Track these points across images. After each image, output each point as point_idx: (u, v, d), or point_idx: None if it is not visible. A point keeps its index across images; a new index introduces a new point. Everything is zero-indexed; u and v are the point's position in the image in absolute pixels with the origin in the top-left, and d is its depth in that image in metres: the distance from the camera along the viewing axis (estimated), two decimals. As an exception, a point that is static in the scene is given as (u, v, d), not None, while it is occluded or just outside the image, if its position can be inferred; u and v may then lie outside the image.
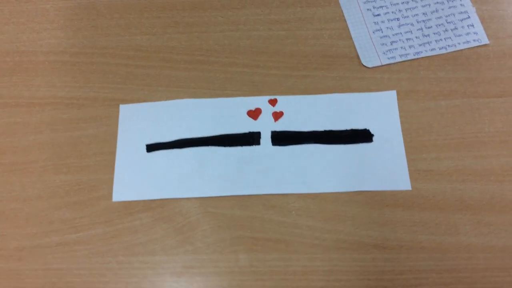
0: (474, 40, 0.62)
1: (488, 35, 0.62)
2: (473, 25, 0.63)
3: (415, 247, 0.52)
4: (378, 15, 0.65)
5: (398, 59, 0.61)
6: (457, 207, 0.54)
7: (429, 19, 0.64)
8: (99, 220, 0.55)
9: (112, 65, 0.63)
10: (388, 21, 0.64)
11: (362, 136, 0.58)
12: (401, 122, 0.58)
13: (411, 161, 0.56)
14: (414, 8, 0.64)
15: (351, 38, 0.63)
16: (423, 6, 0.64)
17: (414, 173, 0.55)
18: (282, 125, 0.59)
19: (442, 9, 0.64)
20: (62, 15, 0.66)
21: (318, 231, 0.54)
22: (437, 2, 0.64)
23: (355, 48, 0.63)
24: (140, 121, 0.60)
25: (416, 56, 0.62)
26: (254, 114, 0.59)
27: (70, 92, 0.61)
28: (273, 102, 0.60)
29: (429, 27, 0.63)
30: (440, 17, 0.64)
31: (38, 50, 0.64)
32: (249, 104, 0.60)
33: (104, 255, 0.53)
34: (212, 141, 0.58)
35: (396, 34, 0.63)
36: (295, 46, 0.63)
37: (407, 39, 0.63)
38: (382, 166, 0.56)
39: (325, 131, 0.58)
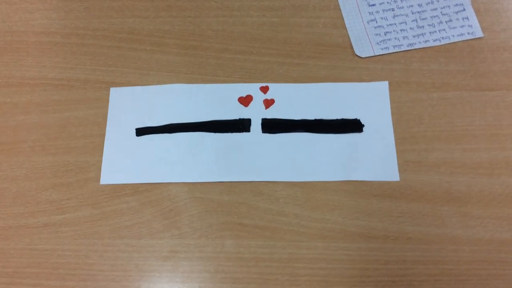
0: (468, 33, 0.62)
1: (482, 28, 0.62)
2: (468, 18, 0.63)
3: (401, 238, 0.52)
4: (373, 5, 0.64)
5: (392, 50, 0.61)
6: (445, 199, 0.54)
7: (424, 11, 0.63)
8: (86, 202, 0.55)
9: (104, 47, 0.62)
10: (383, 11, 0.64)
11: (353, 126, 0.57)
12: (392, 113, 0.58)
13: (400, 152, 0.56)
14: (409, -1, 0.64)
15: (345, 27, 0.63)
16: (418, -3, 0.64)
17: (403, 164, 0.55)
18: (272, 113, 0.58)
19: (438, 1, 0.64)
20: (55, -4, 0.66)
21: (304, 219, 0.53)
22: (433, -6, 0.64)
23: (348, 37, 0.62)
24: (130, 104, 0.59)
25: (409, 48, 0.61)
26: (245, 101, 0.59)
27: (61, 73, 0.61)
28: (264, 90, 0.60)
29: (423, 19, 0.63)
30: (435, 9, 0.63)
31: (29, 30, 0.64)
32: (241, 90, 0.60)
33: (90, 237, 0.53)
34: (202, 127, 0.58)
35: (391, 24, 0.63)
36: (289, 33, 0.63)
37: (401, 30, 0.62)
38: (371, 157, 0.56)
39: (315, 120, 0.58)
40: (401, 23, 0.63)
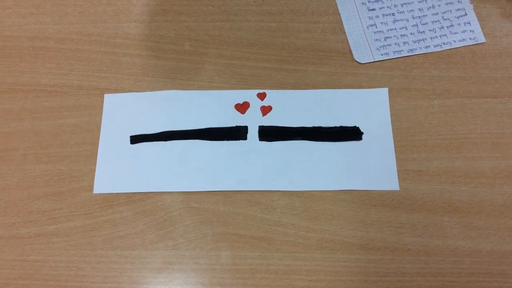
0: (470, 39, 0.61)
1: (484, 34, 0.61)
2: (469, 23, 0.61)
3: (401, 249, 0.51)
4: (373, 9, 0.63)
5: (392, 56, 0.60)
6: (445, 209, 0.53)
7: (425, 15, 0.62)
8: (79, 212, 0.54)
9: (98, 52, 0.61)
10: (383, 16, 0.62)
11: (351, 133, 0.56)
12: (392, 121, 0.57)
13: (400, 160, 0.55)
14: (410, 4, 0.63)
15: (344, 32, 0.62)
16: (419, 2, 0.63)
17: (403, 173, 0.54)
18: (270, 120, 0.57)
19: (439, 5, 0.62)
20: (49, 0, 0.65)
21: (302, 230, 0.52)
22: (434, -2, 0.63)
23: (348, 43, 0.61)
24: (125, 111, 0.58)
25: (410, 53, 0.60)
26: (242, 107, 0.58)
27: (54, 79, 0.60)
28: (261, 96, 0.58)
29: (424, 24, 0.62)
30: (437, 14, 0.62)
31: (23, 35, 0.63)
32: (237, 97, 0.59)
33: (82, 248, 0.52)
34: (197, 135, 0.57)
35: (391, 29, 0.62)
36: (287, 39, 0.62)
37: (401, 35, 0.61)
38: (371, 165, 0.55)
39: (313, 128, 0.57)
40: (402, 28, 0.62)
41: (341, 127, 0.57)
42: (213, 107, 0.58)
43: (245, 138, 0.56)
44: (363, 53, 0.60)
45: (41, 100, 0.59)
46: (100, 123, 0.58)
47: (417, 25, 0.62)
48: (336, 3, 0.63)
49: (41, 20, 0.64)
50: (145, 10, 0.63)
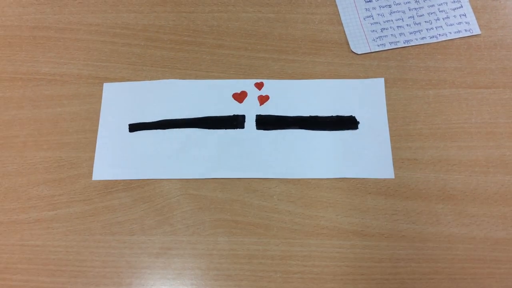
0: (465, 30, 0.61)
1: (480, 25, 0.61)
2: (465, 15, 0.62)
3: (395, 236, 0.52)
4: (370, 1, 0.64)
5: (388, 47, 0.61)
6: (440, 197, 0.53)
7: (421, 7, 0.63)
8: (78, 198, 0.54)
9: (97, 42, 0.62)
10: (380, 7, 0.63)
11: (348, 122, 0.57)
12: (388, 110, 0.57)
13: (395, 149, 0.55)
14: (406, -4, 0.64)
15: (341, 23, 0.62)
16: (415, -6, 0.64)
17: (398, 161, 0.55)
18: (267, 109, 0.58)
19: (435, -3, 0.63)
20: (49, -10, 0.65)
21: (298, 217, 0.53)
22: (430, -10, 0.64)
23: (344, 34, 0.62)
24: (124, 100, 0.59)
25: (406, 44, 0.61)
26: (240, 97, 0.59)
27: (54, 68, 0.61)
28: (259, 86, 0.59)
29: (420, 15, 0.62)
30: (433, 5, 0.63)
31: (23, 24, 0.63)
32: (235, 86, 0.59)
33: (81, 233, 0.53)
34: (196, 123, 0.57)
35: (387, 21, 0.62)
36: (284, 29, 0.62)
37: (398, 27, 0.62)
38: (366, 154, 0.55)
39: (310, 117, 0.57)
40: (398, 19, 0.62)
41: (337, 116, 0.57)
42: (211, 96, 0.59)
43: (242, 127, 0.57)
44: (359, 44, 0.61)
45: (41, 88, 0.60)
46: (99, 111, 0.58)
47: (413, 16, 0.62)
48: (333, -5, 0.64)
49: (41, 10, 0.64)
50: (145, 0, 0.64)
